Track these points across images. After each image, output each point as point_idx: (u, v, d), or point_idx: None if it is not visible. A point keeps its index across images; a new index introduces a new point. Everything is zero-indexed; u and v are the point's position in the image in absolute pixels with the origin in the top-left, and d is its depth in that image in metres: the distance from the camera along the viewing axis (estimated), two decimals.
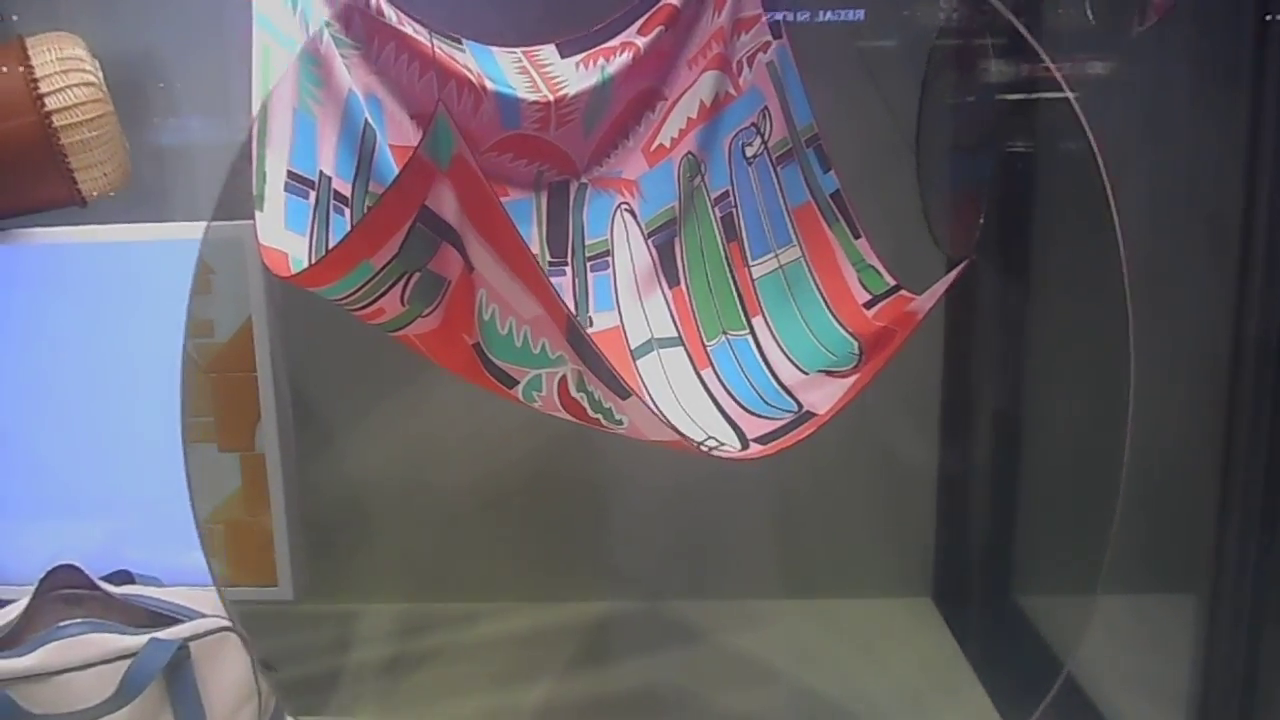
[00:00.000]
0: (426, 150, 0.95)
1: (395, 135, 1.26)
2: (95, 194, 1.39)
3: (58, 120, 1.32)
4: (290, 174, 1.17)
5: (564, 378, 1.08)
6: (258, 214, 1.14)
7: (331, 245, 1.16)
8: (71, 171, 1.35)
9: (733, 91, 1.38)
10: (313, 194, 1.18)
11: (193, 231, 1.35)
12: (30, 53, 1.33)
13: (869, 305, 1.29)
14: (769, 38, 1.37)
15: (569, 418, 1.13)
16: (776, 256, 1.36)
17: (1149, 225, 1.28)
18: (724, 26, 1.36)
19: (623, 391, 1.04)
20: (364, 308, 1.07)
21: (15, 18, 1.47)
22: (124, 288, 1.42)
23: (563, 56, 1.35)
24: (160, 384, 1.44)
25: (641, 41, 1.34)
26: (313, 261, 1.12)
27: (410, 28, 1.25)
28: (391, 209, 0.99)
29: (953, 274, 1.15)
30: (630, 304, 1.34)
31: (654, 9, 1.35)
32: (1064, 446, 1.55)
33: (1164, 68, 1.22)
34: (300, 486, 1.49)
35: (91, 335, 1.43)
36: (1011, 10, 1.41)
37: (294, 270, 1.06)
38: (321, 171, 1.19)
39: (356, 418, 1.73)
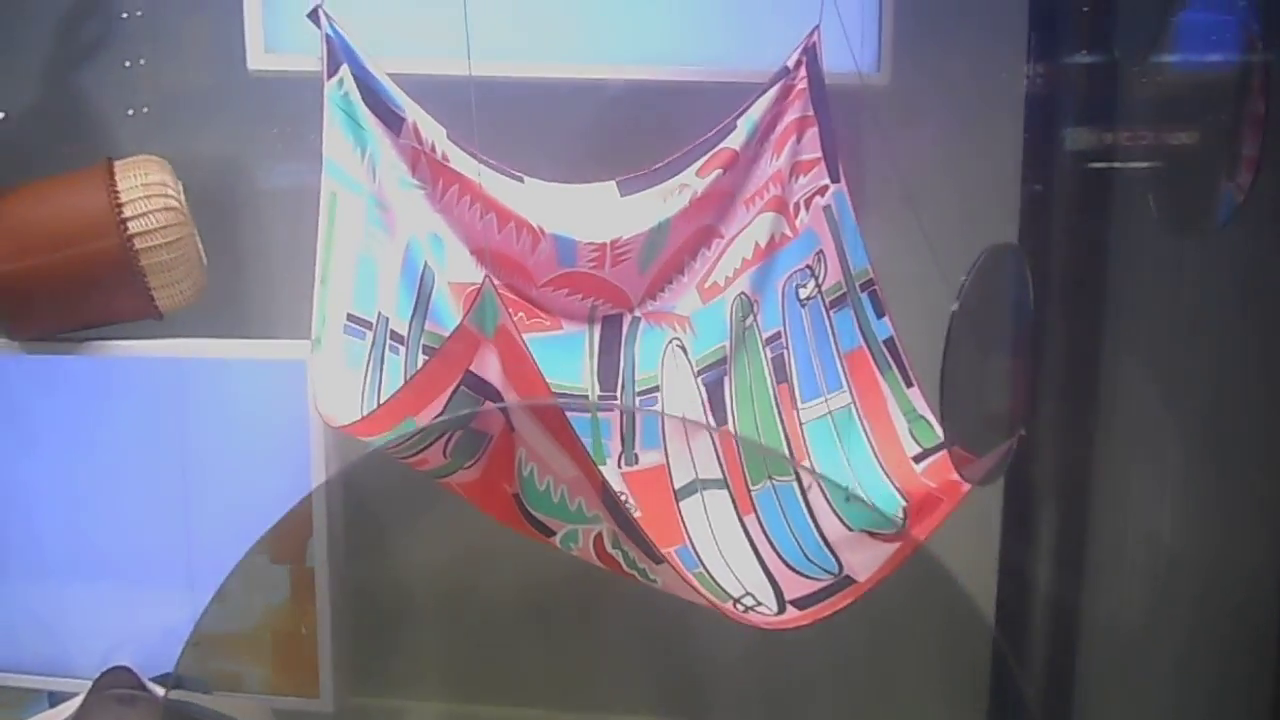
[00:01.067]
0: (473, 321, 0.97)
1: (455, 272, 1.30)
2: (170, 309, 1.45)
3: (139, 243, 1.38)
4: (350, 316, 1.21)
5: (600, 534, 1.09)
6: (314, 355, 1.18)
7: (384, 385, 1.20)
8: (149, 289, 1.41)
9: (789, 233, 1.38)
10: (370, 334, 1.22)
11: (264, 350, 1.42)
12: (117, 177, 1.40)
13: (919, 459, 1.27)
14: (827, 181, 1.37)
15: (605, 569, 1.14)
16: (826, 401, 1.35)
17: (1217, 394, 1.25)
18: (782, 169, 1.37)
19: (656, 557, 1.05)
20: (409, 457, 1.10)
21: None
22: (197, 399, 1.48)
23: (622, 195, 1.37)
24: (222, 493, 1.50)
25: (700, 183, 1.36)
26: (363, 408, 1.15)
27: (471, 168, 1.29)
28: (437, 373, 1.02)
29: (1001, 449, 1.13)
30: (677, 442, 1.34)
31: (713, 151, 1.36)
32: (1126, 597, 1.50)
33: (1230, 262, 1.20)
34: (347, 593, 1.51)
35: (158, 443, 1.49)
36: (1070, 207, 1.41)
37: (344, 422, 1.09)
38: (380, 313, 1.23)
39: (406, 518, 1.75)
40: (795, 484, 1.32)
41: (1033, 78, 1.49)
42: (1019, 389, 1.21)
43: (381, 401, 1.13)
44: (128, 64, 1.57)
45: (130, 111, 1.57)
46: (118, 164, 1.42)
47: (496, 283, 1.31)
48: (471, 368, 1.01)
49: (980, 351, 1.13)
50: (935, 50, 1.49)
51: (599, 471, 1.01)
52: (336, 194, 1.22)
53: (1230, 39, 1.21)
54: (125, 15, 1.55)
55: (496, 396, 1.04)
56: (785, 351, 1.37)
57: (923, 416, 1.30)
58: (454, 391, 1.02)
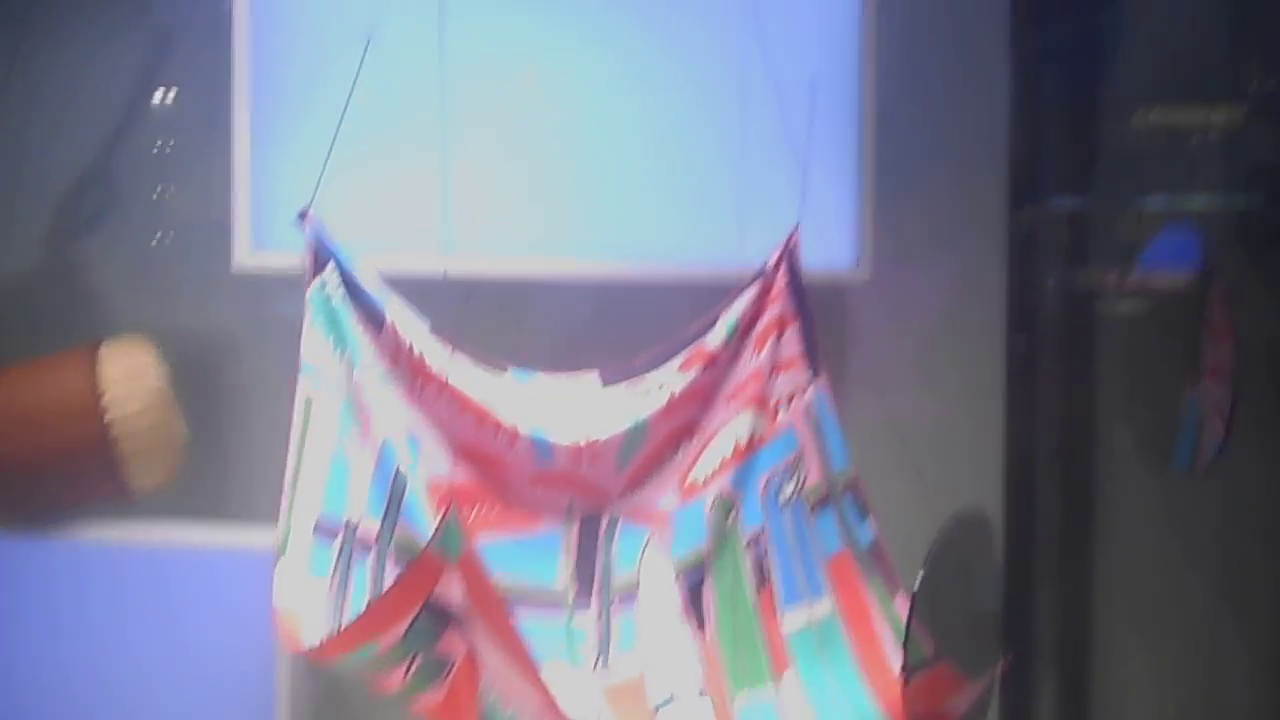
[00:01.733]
0: (436, 547, 0.95)
1: (430, 468, 1.28)
2: (144, 491, 1.43)
3: (117, 429, 1.37)
4: (319, 522, 1.19)
5: None
6: (279, 561, 1.15)
7: (349, 596, 1.17)
8: (124, 475, 1.39)
9: (769, 431, 1.37)
10: (338, 540, 1.20)
11: (232, 536, 1.39)
12: (101, 361, 1.40)
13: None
14: (807, 379, 1.36)
15: None
16: (809, 608, 1.31)
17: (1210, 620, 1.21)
18: (762, 367, 1.36)
19: None
20: (370, 679, 1.06)
21: None
22: (165, 579, 1.44)
23: (604, 385, 1.37)
24: (190, 677, 1.45)
25: (679, 381, 1.35)
26: (328, 618, 1.12)
27: (449, 365, 1.28)
28: (399, 599, 0.99)
29: (989, 675, 1.09)
30: (654, 650, 1.30)
31: (693, 348, 1.36)
32: None
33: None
34: None
35: (131, 632, 1.44)
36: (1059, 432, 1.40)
37: (305, 645, 1.06)
38: (348, 520, 1.21)
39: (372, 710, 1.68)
40: (776, 700, 1.26)
41: (1013, 280, 1.51)
42: (991, 647, 1.17)
43: (344, 618, 1.10)
44: (123, 245, 1.59)
45: (120, 293, 1.58)
46: (103, 348, 1.42)
47: (472, 478, 1.29)
48: (435, 592, 0.98)
49: (948, 622, 1.10)
50: (916, 245, 1.52)
51: (562, 711, 0.97)
52: (312, 400, 1.22)
53: (1194, 255, 1.24)
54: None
55: (458, 623, 1.01)
56: (765, 555, 1.33)
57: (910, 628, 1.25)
58: (414, 619, 0.99)
